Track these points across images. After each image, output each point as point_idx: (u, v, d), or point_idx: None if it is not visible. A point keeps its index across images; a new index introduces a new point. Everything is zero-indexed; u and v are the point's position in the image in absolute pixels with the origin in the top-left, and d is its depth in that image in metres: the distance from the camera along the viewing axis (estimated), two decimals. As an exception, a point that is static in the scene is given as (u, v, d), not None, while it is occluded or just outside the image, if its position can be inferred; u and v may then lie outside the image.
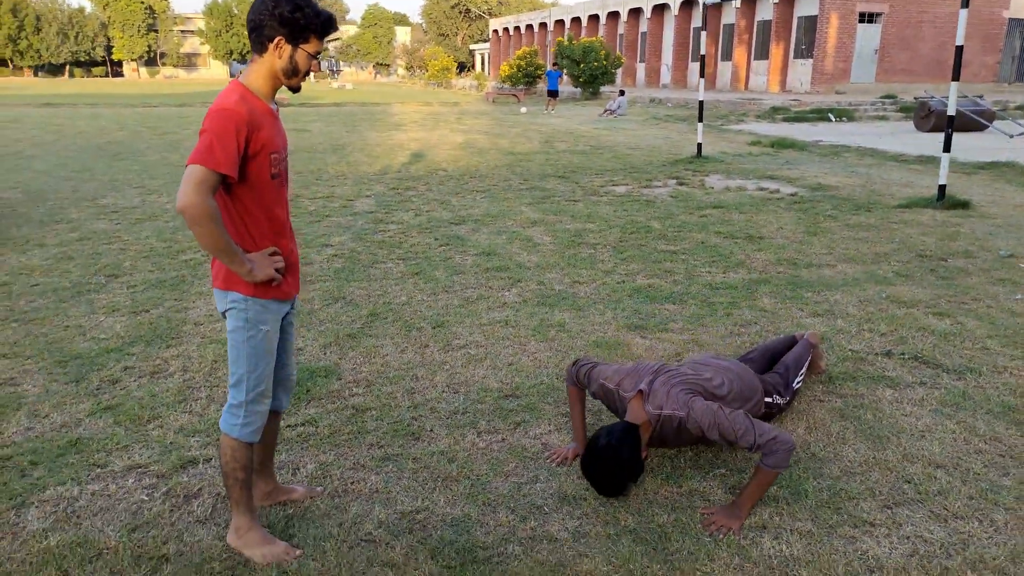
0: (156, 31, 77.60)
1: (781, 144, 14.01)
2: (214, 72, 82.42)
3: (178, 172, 10.65)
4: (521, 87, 35.90)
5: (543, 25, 50.42)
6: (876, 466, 2.90)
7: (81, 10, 76.12)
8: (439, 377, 3.72)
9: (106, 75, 78.88)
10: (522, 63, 36.59)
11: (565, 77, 34.12)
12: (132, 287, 5.20)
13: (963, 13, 7.30)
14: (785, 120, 19.62)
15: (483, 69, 62.52)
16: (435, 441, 3.08)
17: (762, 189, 9.20)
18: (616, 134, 16.72)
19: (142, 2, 75.05)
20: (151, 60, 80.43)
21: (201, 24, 77.65)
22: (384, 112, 24.41)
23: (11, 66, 75.00)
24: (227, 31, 74.99)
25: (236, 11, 74.51)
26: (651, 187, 9.53)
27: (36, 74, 75.66)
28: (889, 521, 2.54)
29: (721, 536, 2.46)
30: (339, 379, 3.69)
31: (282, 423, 3.21)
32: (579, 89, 33.13)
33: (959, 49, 7.36)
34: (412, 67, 66.30)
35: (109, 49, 76.81)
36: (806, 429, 3.20)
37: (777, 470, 2.55)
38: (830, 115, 19.83)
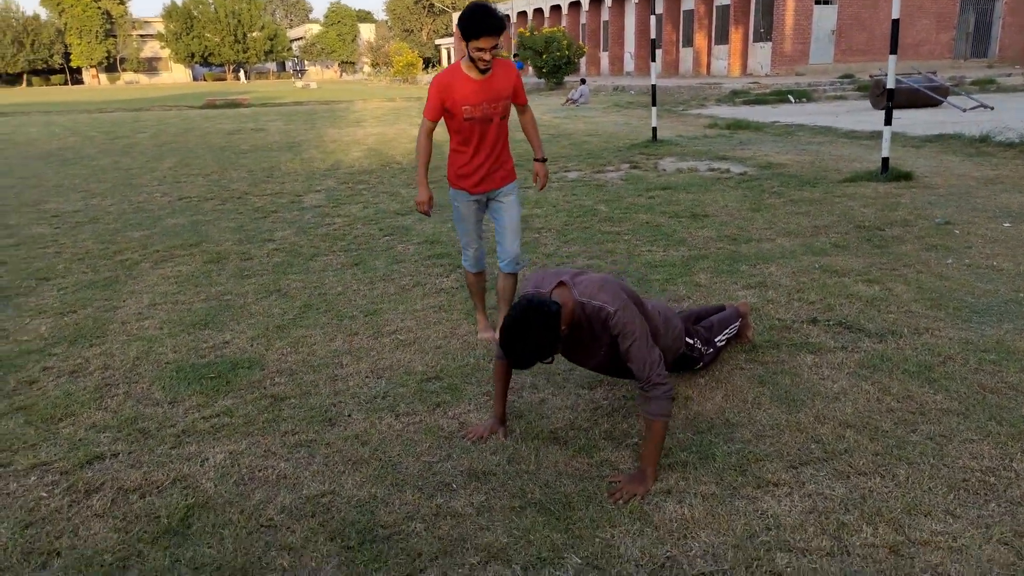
0: (115, 36, 76.23)
1: (737, 125, 14.10)
2: (176, 76, 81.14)
3: (127, 176, 10.48)
4: (485, 80, 35.73)
5: (506, 17, 50.33)
6: (787, 428, 2.92)
7: (36, 17, 74.53)
8: (364, 364, 3.69)
9: (65, 83, 77.32)
10: (485, 56, 36.41)
11: (530, 68, 34.08)
12: (62, 289, 5.10)
13: (897, -14, 7.39)
14: (745, 103, 19.76)
15: (449, 63, 62.27)
16: (351, 426, 3.06)
17: (713, 170, 9.25)
18: (576, 122, 16.73)
19: (99, 7, 73.72)
20: (111, 66, 78.99)
21: (161, 28, 76.36)
22: (346, 109, 24.21)
23: (-35, 77, 73.38)
24: (187, 34, 73.81)
25: (196, 13, 73.41)
26: (603, 172, 9.54)
27: (-7, 84, 74.04)
28: (793, 480, 2.56)
29: (624, 502, 2.47)
30: (262, 369, 3.64)
31: (196, 414, 3.17)
32: (543, 80, 33.11)
33: (895, 23, 7.45)
34: (377, 64, 65.77)
35: (67, 56, 75.28)
36: (723, 397, 3.21)
37: (661, 419, 2.56)
38: (790, 96, 20.00)
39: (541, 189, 3.94)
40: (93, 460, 2.83)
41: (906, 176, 7.90)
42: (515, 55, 29.48)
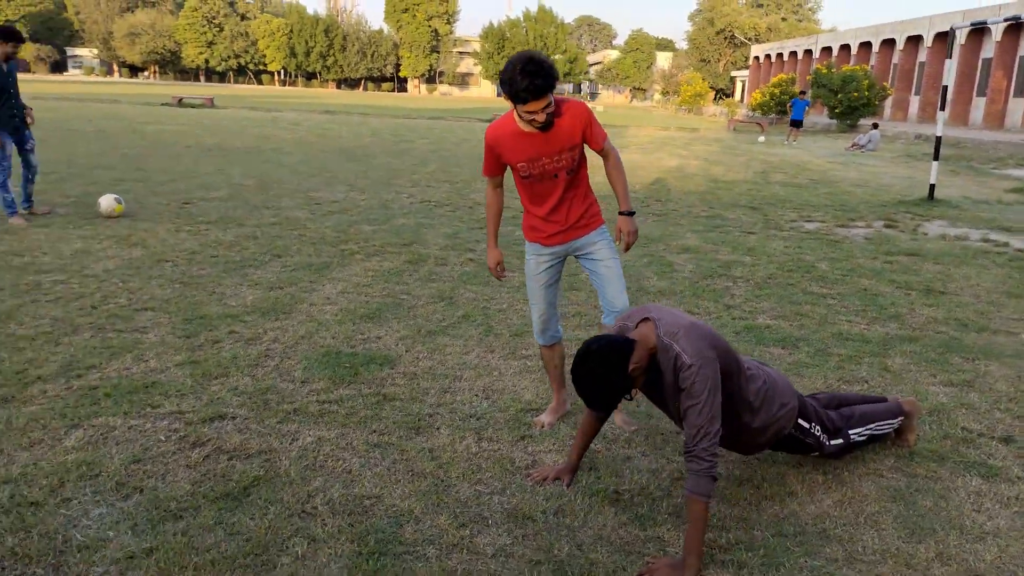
0: (438, 52, 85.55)
1: (1048, 194, 11.93)
2: (483, 91, 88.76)
3: (390, 175, 11.71)
4: (772, 116, 34.23)
5: (808, 52, 47.60)
6: (892, 559, 2.44)
7: (380, 32, 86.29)
8: (480, 381, 3.76)
9: (393, 90, 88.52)
10: (776, 91, 34.86)
11: (823, 108, 31.91)
12: (285, 267, 5.86)
13: None
14: (1075, 168, 16.63)
15: (740, 96, 60.53)
16: (433, 439, 3.14)
17: (986, 241, 7.94)
18: (849, 170, 15.33)
19: (430, 25, 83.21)
20: (431, 78, 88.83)
21: (477, 47, 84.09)
22: (616, 135, 24.63)
23: (320, 79, 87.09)
24: (498, 53, 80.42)
25: (508, 35, 79.71)
26: (848, 227, 8.65)
27: (339, 87, 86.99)
28: (859, 620, 2.14)
29: (652, 590, 2.25)
30: (391, 368, 3.88)
31: (313, 397, 3.47)
32: (835, 121, 30.81)
33: None
34: (667, 92, 66.03)
35: (397, 67, 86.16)
36: (835, 502, 2.77)
37: (698, 498, 2.30)
38: None
39: (626, 249, 3.18)
40: (215, 418, 3.23)
41: None
42: (801, 92, 27.72)
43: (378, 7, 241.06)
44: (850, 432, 2.97)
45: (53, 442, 2.95)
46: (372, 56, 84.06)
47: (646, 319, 2.57)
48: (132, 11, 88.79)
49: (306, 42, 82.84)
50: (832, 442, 2.91)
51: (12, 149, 7.10)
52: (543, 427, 3.27)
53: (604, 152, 3.13)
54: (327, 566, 2.29)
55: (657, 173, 13.46)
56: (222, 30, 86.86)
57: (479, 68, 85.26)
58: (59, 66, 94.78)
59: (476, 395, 3.60)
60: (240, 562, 2.28)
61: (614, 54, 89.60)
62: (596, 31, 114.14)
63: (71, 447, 2.91)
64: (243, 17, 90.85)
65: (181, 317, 4.54)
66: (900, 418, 3.20)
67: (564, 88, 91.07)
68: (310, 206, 8.66)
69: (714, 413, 2.38)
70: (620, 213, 3.18)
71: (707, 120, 41.60)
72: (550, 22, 79.76)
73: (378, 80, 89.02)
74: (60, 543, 2.32)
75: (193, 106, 29.26)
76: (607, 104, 74.34)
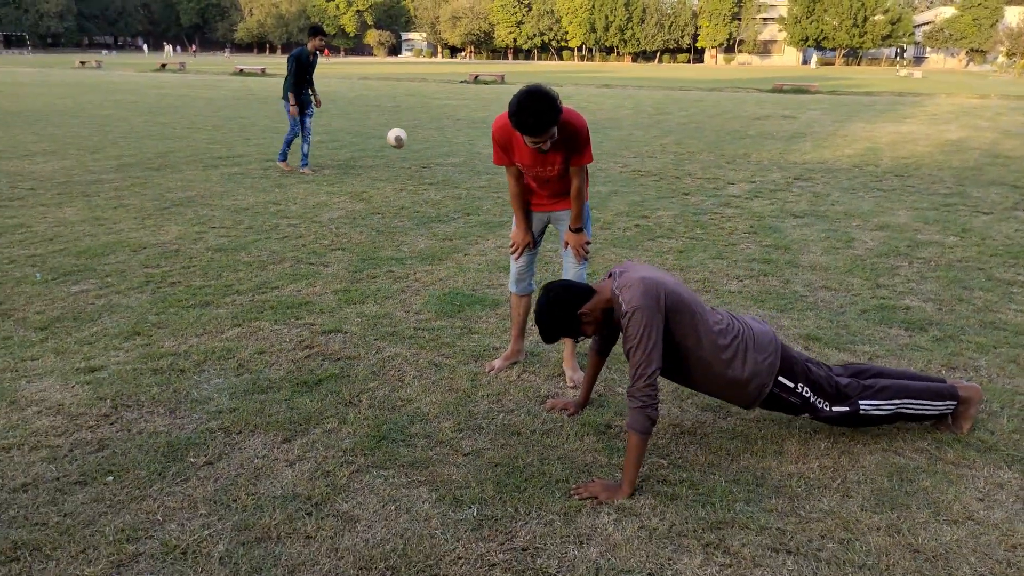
0: (739, 19, 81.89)
1: None
2: (786, 58, 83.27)
3: (623, 146, 12.07)
4: None
5: None
6: (831, 519, 2.45)
7: (683, 2, 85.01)
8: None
9: (688, 61, 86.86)
10: None
11: None
12: (467, 223, 6.66)
13: None
14: None
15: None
16: (484, 366, 3.65)
17: None
18: None
19: (732, -9, 79.97)
20: (729, 47, 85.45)
21: (783, 11, 78.91)
22: (909, 103, 22.01)
23: (616, 53, 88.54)
24: (807, 17, 74.78)
25: (821, -4, 73.70)
26: None
27: (634, 60, 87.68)
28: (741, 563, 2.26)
29: (579, 498, 2.56)
30: (492, 310, 4.44)
31: (410, 323, 4.16)
32: None
33: None
34: (1013, 54, 56.08)
35: (695, 37, 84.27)
36: (820, 467, 2.76)
37: (635, 433, 2.54)
38: None
39: (577, 256, 3.43)
40: (333, 331, 4.07)
41: None
42: None
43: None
44: (862, 402, 2.88)
45: (217, 333, 4.02)
46: (669, 28, 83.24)
47: (609, 275, 2.83)
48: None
49: (606, 16, 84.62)
50: (834, 408, 2.86)
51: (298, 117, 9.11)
52: (493, 371, 3.58)
53: (578, 172, 3.27)
54: (342, 439, 2.96)
55: (923, 147, 12.06)
56: (531, 9, 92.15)
57: (783, 34, 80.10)
58: (395, 49, 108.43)
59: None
60: (285, 426, 3.04)
61: (948, 11, 78.04)
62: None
63: (225, 338, 3.95)
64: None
65: (359, 257, 5.54)
66: (950, 402, 2.99)
67: (883, 53, 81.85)
68: (526, 173, 9.41)
69: (649, 356, 2.58)
70: (569, 230, 3.42)
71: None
72: (871, -21, 72.00)
73: (674, 52, 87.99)
74: (182, 396, 3.29)
75: (486, 83, 31.96)
76: (935, 70, 65.31)
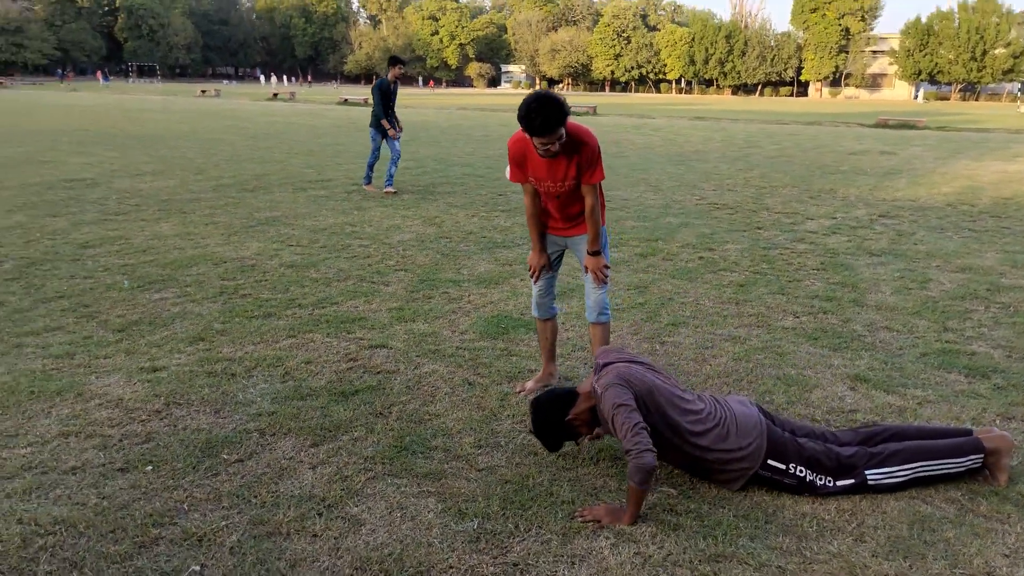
0: (847, 52, 79.42)
1: None
2: (897, 92, 79.92)
3: (703, 179, 11.94)
4: None
5: None
6: (836, 562, 2.37)
7: (787, 35, 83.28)
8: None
9: (791, 94, 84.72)
10: None
11: None
12: (526, 251, 6.75)
13: None
14: None
15: None
16: (516, 387, 3.72)
17: None
18: None
19: (840, 24, 77.70)
20: (836, 81, 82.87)
21: (894, 44, 76.03)
22: (1004, 141, 20.74)
23: (716, 86, 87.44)
24: (920, 51, 71.77)
25: (936, 29, 70.62)
26: None
27: (734, 93, 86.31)
28: (734, 591, 2.22)
29: (582, 520, 2.59)
30: (535, 333, 4.50)
31: (452, 341, 4.28)
32: None
33: None
34: None
35: (799, 70, 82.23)
36: (837, 509, 2.68)
37: (631, 482, 2.53)
38: None
39: (597, 281, 3.49)
40: (379, 346, 4.24)
41: None
42: None
43: (783, 8, 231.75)
44: (869, 472, 2.76)
45: (272, 342, 4.26)
46: (772, 60, 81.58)
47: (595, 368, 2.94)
48: (555, 30, 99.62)
49: (706, 49, 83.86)
50: (838, 483, 2.76)
51: (380, 143, 9.54)
52: (524, 392, 3.65)
53: (591, 191, 3.33)
54: (366, 447, 3.09)
55: (1020, 186, 11.36)
56: (629, 42, 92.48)
57: (894, 68, 77.08)
58: (494, 81, 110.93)
59: (582, 366, 4.05)
60: (316, 432, 3.20)
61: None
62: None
63: (279, 347, 4.18)
64: (651, 28, 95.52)
65: (419, 278, 5.74)
66: (974, 457, 2.84)
67: (1004, 87, 77.42)
68: (617, 202, 9.42)
69: (629, 415, 2.65)
70: (588, 253, 3.47)
71: None
72: (992, 11, 68.51)
73: (776, 84, 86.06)
74: (228, 398, 3.52)
75: (578, 114, 32.25)
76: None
